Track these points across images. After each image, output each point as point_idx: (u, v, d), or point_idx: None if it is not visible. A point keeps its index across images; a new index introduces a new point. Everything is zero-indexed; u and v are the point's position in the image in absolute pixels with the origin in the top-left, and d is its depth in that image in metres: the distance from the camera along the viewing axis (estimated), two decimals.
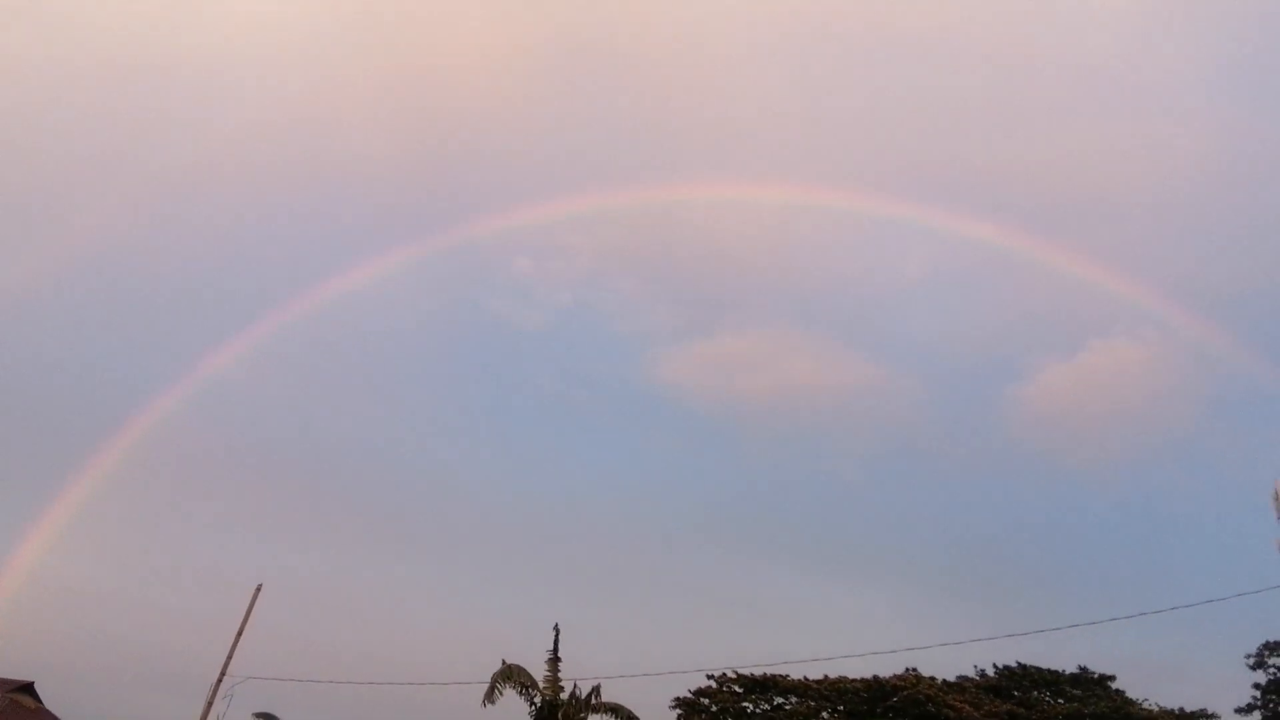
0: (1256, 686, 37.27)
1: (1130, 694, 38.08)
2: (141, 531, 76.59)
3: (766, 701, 39.16)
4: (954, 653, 47.44)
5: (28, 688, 43.19)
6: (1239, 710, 36.89)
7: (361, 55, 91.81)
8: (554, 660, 29.60)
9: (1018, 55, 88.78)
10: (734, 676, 39.20)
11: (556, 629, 29.95)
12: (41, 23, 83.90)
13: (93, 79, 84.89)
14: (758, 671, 38.50)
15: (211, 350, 75.72)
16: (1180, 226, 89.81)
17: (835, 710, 38.05)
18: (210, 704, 28.07)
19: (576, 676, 29.54)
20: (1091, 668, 39.13)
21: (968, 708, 35.52)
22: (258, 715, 31.58)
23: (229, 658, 28.90)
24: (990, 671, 40.38)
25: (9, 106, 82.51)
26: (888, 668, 38.16)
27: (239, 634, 29.32)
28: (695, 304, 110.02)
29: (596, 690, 29.17)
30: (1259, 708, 36.79)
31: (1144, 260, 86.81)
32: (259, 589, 30.04)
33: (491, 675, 28.36)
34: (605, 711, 28.99)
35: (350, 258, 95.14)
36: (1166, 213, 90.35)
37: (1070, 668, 39.31)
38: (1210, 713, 36.61)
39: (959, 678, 40.03)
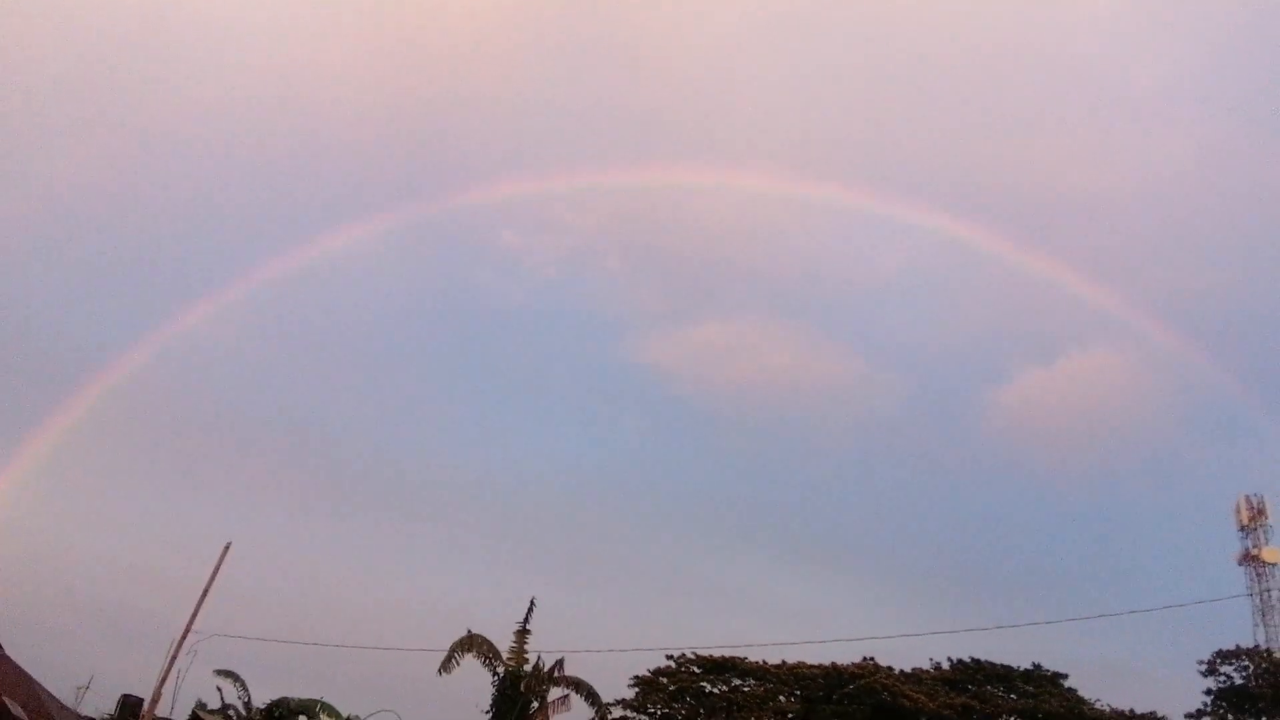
0: (1208, 692, 38.07)
1: (1083, 693, 38.85)
2: (107, 487, 76.23)
3: (725, 683, 39.63)
4: (914, 644, 48.35)
5: None
6: (1189, 715, 37.71)
7: (352, 28, 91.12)
8: (523, 632, 29.83)
9: (1010, 57, 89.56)
10: (694, 657, 39.64)
11: (532, 602, 30.16)
12: None
13: (82, 35, 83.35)
14: (718, 653, 38.99)
15: (181, 310, 75.15)
16: (1164, 238, 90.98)
17: (792, 695, 38.60)
18: (173, 659, 28.00)
19: (541, 650, 29.83)
20: (1046, 666, 39.91)
21: (923, 698, 36.16)
22: (219, 672, 31.53)
23: (194, 614, 28.76)
24: (946, 665, 41.09)
25: None
26: (847, 656, 38.78)
27: (205, 592, 29.18)
28: (680, 288, 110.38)
29: (560, 664, 29.46)
30: (1208, 714, 37.57)
31: (1125, 270, 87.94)
32: (228, 547, 29.84)
33: (451, 644, 28.62)
34: (567, 685, 29.30)
35: (333, 226, 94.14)
36: (1150, 223, 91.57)
37: (1025, 664, 40.07)
38: (1161, 715, 37.55)
39: (915, 669, 40.64)
